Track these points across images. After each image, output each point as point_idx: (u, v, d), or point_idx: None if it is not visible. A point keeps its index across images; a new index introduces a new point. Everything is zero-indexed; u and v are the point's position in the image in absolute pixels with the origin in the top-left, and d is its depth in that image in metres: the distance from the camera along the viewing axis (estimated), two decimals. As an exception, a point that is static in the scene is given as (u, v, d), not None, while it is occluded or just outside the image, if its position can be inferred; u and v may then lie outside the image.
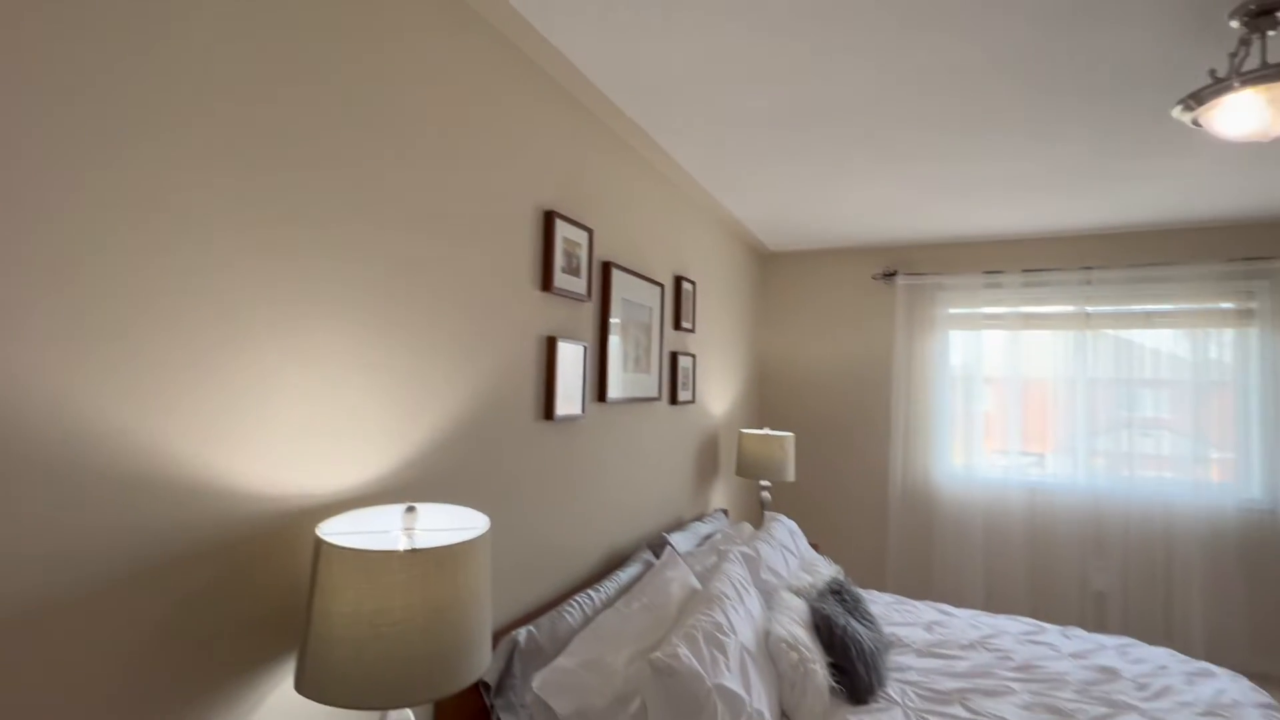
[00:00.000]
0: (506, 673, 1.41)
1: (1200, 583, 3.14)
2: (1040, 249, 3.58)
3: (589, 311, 2.04)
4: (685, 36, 1.62)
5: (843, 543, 3.93)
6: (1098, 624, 3.34)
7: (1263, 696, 1.88)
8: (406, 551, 0.91)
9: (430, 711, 1.34)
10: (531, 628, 1.48)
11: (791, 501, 4.07)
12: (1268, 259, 3.10)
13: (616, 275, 2.17)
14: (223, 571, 0.95)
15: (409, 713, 1.03)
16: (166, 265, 0.87)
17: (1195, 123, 1.53)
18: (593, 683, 1.43)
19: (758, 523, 3.96)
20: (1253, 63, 1.60)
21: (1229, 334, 3.20)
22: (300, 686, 0.92)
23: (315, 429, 1.09)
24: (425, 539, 0.99)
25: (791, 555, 2.50)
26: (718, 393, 3.35)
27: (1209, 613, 3.14)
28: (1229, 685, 1.93)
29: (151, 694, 0.87)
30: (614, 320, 2.16)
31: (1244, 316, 3.18)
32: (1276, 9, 1.38)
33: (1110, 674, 1.99)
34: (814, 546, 2.97)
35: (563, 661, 1.45)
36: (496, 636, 1.53)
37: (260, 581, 1.01)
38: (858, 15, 1.51)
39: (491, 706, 1.38)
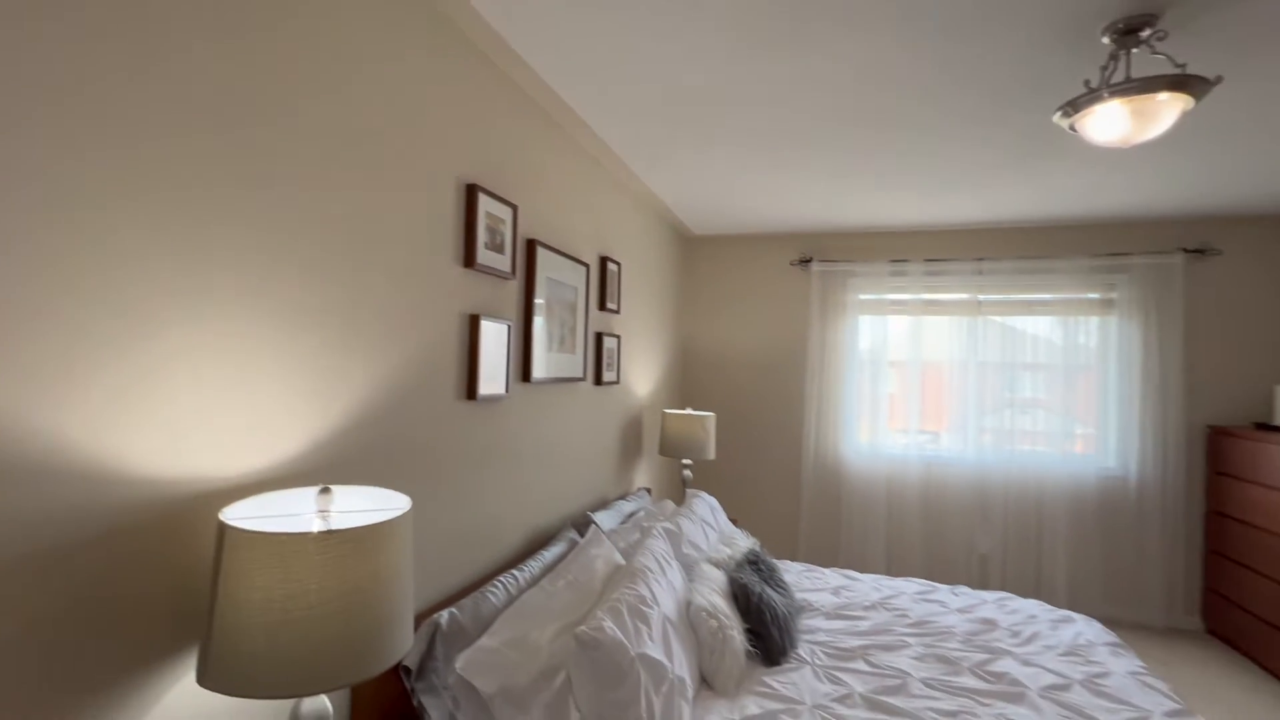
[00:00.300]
0: (428, 656, 1.39)
1: (1065, 542, 3.54)
2: (940, 240, 3.85)
3: (513, 290, 2.00)
4: (614, 16, 1.61)
5: (760, 516, 4.12)
6: (981, 582, 3.70)
7: (1111, 637, 2.16)
8: (321, 533, 0.87)
9: (347, 699, 1.30)
10: (454, 609, 1.46)
11: (712, 478, 4.21)
12: (1126, 255, 3.50)
13: (542, 254, 2.14)
14: (109, 562, 0.88)
15: (325, 700, 0.99)
16: (66, 268, 0.80)
17: (1072, 128, 1.69)
18: (517, 660, 1.43)
19: (680, 500, 4.07)
20: (1120, 76, 1.79)
21: (1094, 322, 3.59)
22: (204, 679, 0.87)
23: (218, 414, 1.01)
24: (342, 521, 0.95)
25: (711, 529, 2.59)
26: (642, 373, 3.39)
27: (1071, 567, 3.55)
28: (1085, 629, 2.20)
29: (28, 693, 0.79)
30: (539, 300, 2.13)
31: (1106, 306, 3.57)
32: (1140, 29, 1.55)
33: (990, 624, 2.21)
34: (733, 521, 3.09)
35: (486, 641, 1.44)
36: (418, 620, 1.49)
37: (155, 573, 0.94)
38: (773, 12, 1.55)
39: (412, 690, 1.36)
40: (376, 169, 1.37)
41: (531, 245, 2.08)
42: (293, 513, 0.99)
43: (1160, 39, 1.57)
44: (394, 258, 1.44)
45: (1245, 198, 3.07)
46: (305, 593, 0.86)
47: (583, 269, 2.50)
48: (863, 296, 3.94)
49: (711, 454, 3.27)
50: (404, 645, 0.98)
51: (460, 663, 1.37)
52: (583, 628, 1.43)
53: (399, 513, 0.98)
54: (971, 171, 2.76)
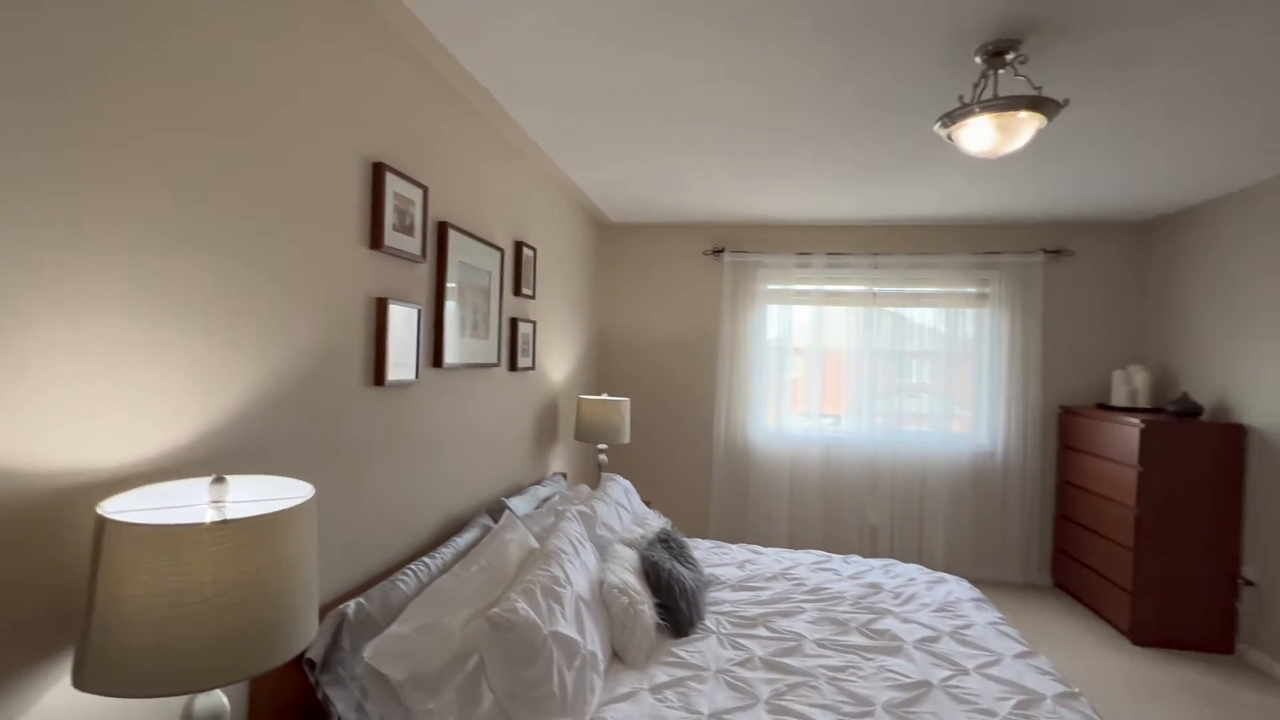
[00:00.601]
0: (334, 647, 1.36)
1: (943, 513, 3.93)
2: (841, 235, 4.11)
3: (424, 273, 1.96)
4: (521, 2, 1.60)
5: (673, 497, 4.26)
6: (871, 550, 4.03)
7: (976, 594, 2.44)
8: (215, 523, 0.84)
9: (245, 694, 1.25)
10: (361, 599, 1.43)
11: (627, 462, 4.30)
12: (998, 254, 3.89)
13: (453, 237, 2.09)
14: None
15: (220, 696, 0.96)
16: None
17: (950, 137, 1.87)
18: (428, 646, 1.43)
19: (595, 484, 4.12)
20: (989, 94, 1.99)
21: (970, 313, 3.97)
22: (81, 682, 0.82)
23: (94, 405, 0.94)
24: (238, 510, 0.92)
25: (625, 511, 2.66)
26: (558, 359, 3.40)
27: (948, 535, 3.95)
28: (955, 588, 2.47)
29: None
30: (451, 284, 2.09)
31: (981, 299, 3.96)
32: (1005, 53, 1.73)
33: (876, 588, 2.43)
34: (647, 502, 3.19)
35: (396, 629, 1.43)
36: (323, 611, 1.45)
37: (21, 572, 0.86)
38: (680, 12, 1.60)
39: (317, 683, 1.33)
40: (274, 144, 1.30)
41: (443, 228, 2.04)
42: (184, 504, 0.94)
43: (1022, 63, 1.76)
44: (293, 238, 1.37)
45: (1093, 206, 3.49)
46: (199, 585, 0.82)
47: (497, 253, 2.47)
48: (770, 286, 4.13)
49: (627, 438, 3.34)
50: (306, 636, 0.96)
51: (369, 652, 1.35)
52: (496, 610, 1.45)
53: (300, 501, 0.96)
54: (866, 172, 2.96)
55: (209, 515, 0.89)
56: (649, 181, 3.25)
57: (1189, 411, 3.15)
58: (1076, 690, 1.72)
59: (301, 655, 1.32)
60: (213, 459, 1.17)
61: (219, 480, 0.93)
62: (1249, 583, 2.96)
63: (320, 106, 1.45)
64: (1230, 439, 3.02)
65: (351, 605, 1.40)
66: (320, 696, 1.31)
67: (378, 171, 1.66)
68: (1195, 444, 3.05)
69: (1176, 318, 3.57)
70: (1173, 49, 1.75)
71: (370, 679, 1.34)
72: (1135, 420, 3.12)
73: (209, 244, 1.15)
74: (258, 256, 1.27)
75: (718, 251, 4.14)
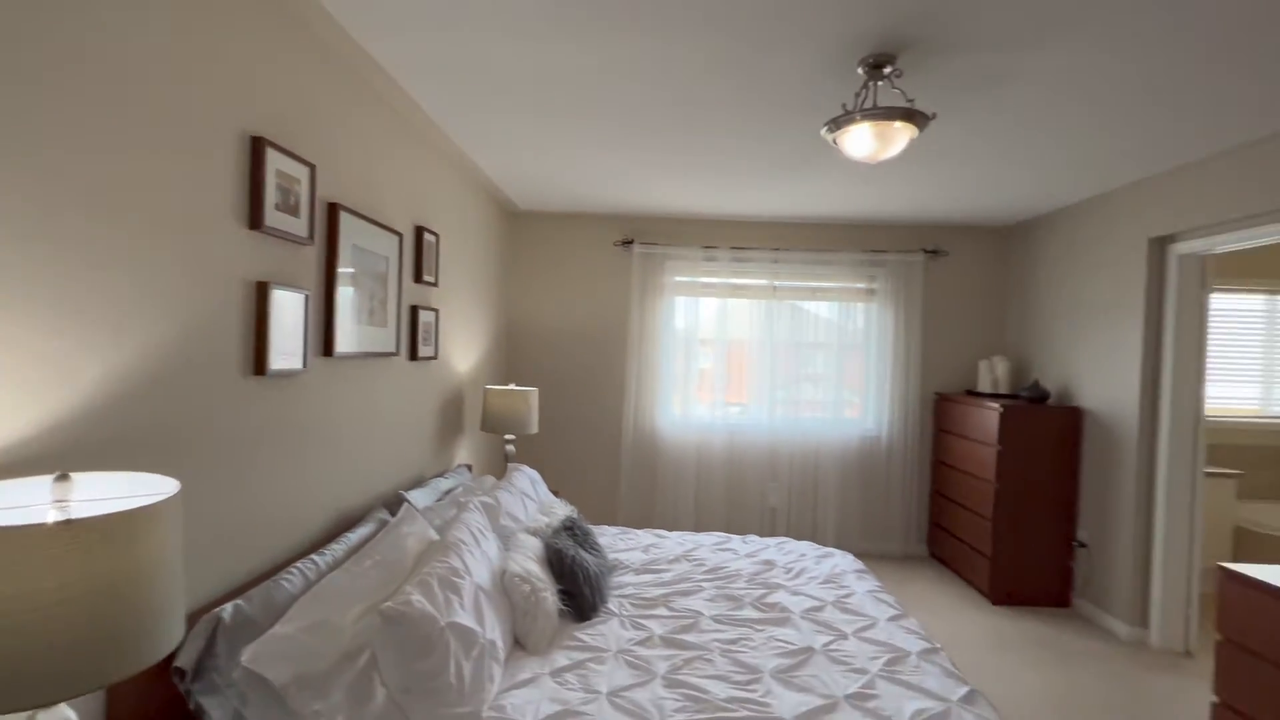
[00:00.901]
0: (207, 653, 1.28)
1: (834, 493, 4.22)
2: (744, 231, 4.27)
3: (311, 257, 1.85)
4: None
5: (581, 486, 4.29)
6: (770, 530, 4.26)
7: (859, 565, 2.65)
8: (57, 524, 0.77)
9: (101, 710, 1.15)
10: (240, 601, 1.35)
11: (535, 452, 4.27)
12: (884, 252, 4.20)
13: (345, 219, 1.99)
14: None
15: (67, 711, 0.88)
16: None
17: (835, 142, 2.00)
18: (315, 646, 1.37)
19: (502, 475, 4.07)
20: (870, 103, 2.14)
21: (861, 307, 4.27)
22: (-111, 707, 0.73)
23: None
24: (87, 510, 0.85)
25: (531, 501, 2.66)
26: (463, 349, 3.32)
27: (838, 513, 4.24)
28: (841, 561, 2.67)
29: None
30: (345, 269, 1.99)
31: (870, 294, 4.27)
32: (883, 66, 1.87)
33: (769, 564, 2.59)
34: (555, 492, 3.19)
35: (279, 629, 1.36)
36: (196, 616, 1.36)
37: None
38: (582, 2, 1.62)
39: (189, 692, 1.24)
40: (135, 113, 1.18)
41: (333, 209, 1.93)
42: (19, 504, 0.85)
43: (898, 76, 1.92)
44: (157, 215, 1.26)
45: (963, 210, 3.85)
46: (38, 592, 0.75)
47: (395, 238, 2.37)
48: (678, 278, 4.24)
49: (534, 428, 3.33)
50: (170, 642, 0.90)
51: (247, 655, 1.28)
52: (388, 603, 1.42)
53: (161, 498, 0.90)
54: (764, 171, 3.10)
55: (51, 515, 0.81)
56: (557, 170, 3.23)
57: (1039, 397, 3.56)
58: (938, 646, 1.92)
59: (169, 663, 1.23)
60: (57, 456, 1.06)
61: (62, 478, 0.85)
62: (1082, 544, 3.41)
63: (189, 74, 1.33)
64: (1070, 420, 3.46)
65: (228, 608, 1.32)
66: (192, 707, 1.23)
67: (257, 146, 1.55)
68: (1043, 425, 3.46)
69: (1029, 313, 4.02)
70: (1025, 74, 1.97)
71: (250, 684, 1.27)
72: (995, 405, 3.49)
73: (46, 221, 1.04)
74: (110, 233, 1.16)
75: (627, 243, 4.19)
